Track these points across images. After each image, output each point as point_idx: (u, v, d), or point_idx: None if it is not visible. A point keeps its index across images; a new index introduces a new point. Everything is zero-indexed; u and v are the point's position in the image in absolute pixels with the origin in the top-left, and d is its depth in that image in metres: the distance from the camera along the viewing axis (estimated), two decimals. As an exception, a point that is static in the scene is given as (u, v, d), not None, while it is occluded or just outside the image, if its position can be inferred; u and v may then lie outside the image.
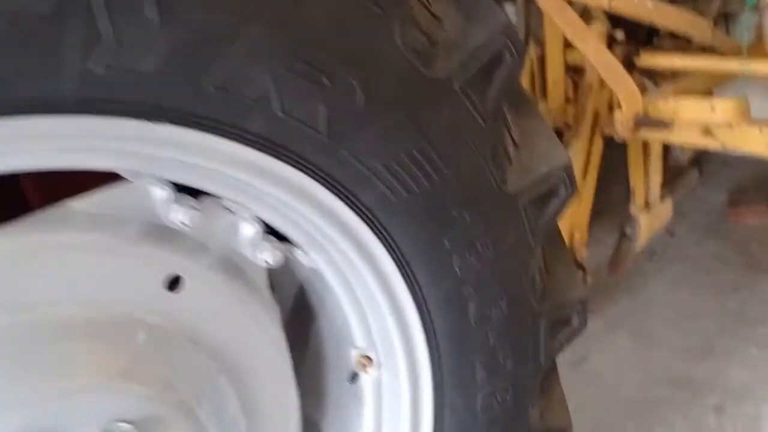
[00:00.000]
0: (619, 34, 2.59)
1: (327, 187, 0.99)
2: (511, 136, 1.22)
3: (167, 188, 0.95)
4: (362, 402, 1.27)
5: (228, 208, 1.02)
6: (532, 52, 2.85)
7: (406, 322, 1.17)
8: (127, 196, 0.95)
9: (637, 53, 2.57)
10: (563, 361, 2.75)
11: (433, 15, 1.06)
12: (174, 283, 1.03)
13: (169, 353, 1.05)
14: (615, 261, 2.92)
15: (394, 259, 1.10)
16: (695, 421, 2.41)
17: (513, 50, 1.10)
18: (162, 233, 0.99)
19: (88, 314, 0.97)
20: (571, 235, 2.67)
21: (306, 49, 0.87)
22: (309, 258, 1.12)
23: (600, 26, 2.56)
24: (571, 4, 2.37)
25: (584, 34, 2.34)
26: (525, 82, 2.90)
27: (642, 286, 3.18)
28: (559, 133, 2.83)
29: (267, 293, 1.15)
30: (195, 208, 0.96)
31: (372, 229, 1.06)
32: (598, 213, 3.55)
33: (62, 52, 0.72)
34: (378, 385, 1.25)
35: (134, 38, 0.75)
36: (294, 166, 0.95)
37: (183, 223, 0.96)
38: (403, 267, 1.11)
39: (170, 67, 0.78)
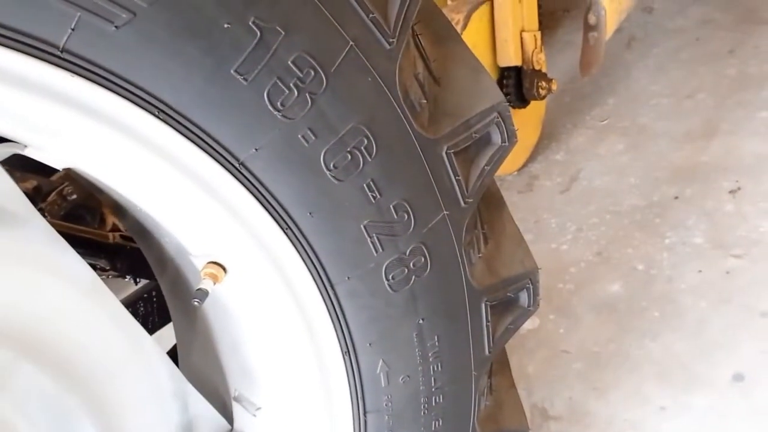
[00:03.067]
0: None
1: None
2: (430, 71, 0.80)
3: None
4: (229, 320, 0.94)
5: None
6: None
7: (242, 214, 0.83)
8: None
9: None
10: (554, 189, 2.41)
11: None
12: None
13: None
14: (586, 58, 2.48)
15: (177, 127, 0.73)
16: (711, 213, 2.06)
17: None
18: None
19: None
20: (521, 40, 2.23)
21: None
22: (53, 156, 0.75)
23: None
24: None
25: None
26: None
27: (624, 79, 2.75)
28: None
29: (46, 229, 0.79)
30: None
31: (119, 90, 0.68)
32: (562, 11, 3.09)
33: None
34: (242, 293, 0.91)
35: None
36: None
37: None
38: (198, 136, 0.74)
39: None
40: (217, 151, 0.77)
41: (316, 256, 0.88)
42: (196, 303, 0.86)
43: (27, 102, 0.66)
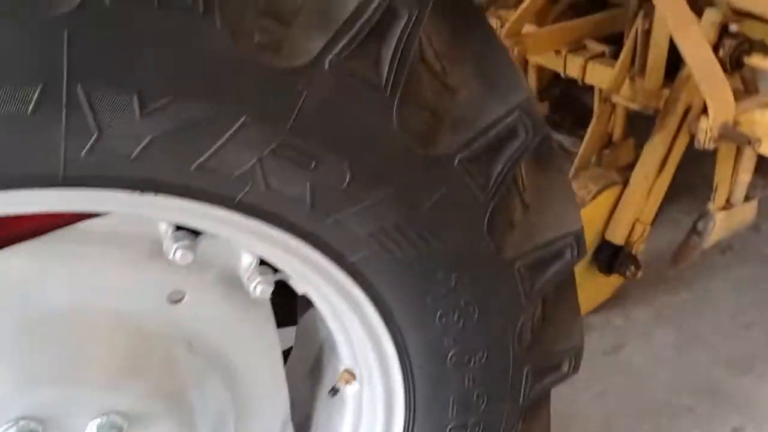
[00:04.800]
0: (734, 26, 2.36)
1: (313, 247, 1.04)
2: (522, 199, 1.21)
3: (169, 225, 1.03)
4: (343, 412, 1.38)
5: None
6: (640, 23, 2.65)
7: (385, 355, 1.25)
8: (135, 221, 1.04)
9: (750, 50, 2.35)
10: (598, 347, 2.77)
11: (446, 86, 1.04)
12: (176, 295, 1.14)
13: (165, 355, 1.18)
14: (679, 255, 2.82)
15: (376, 308, 1.15)
16: (709, 438, 2.41)
17: (530, 127, 1.08)
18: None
19: (95, 319, 1.09)
20: (632, 228, 2.59)
21: (291, 137, 0.90)
22: (302, 288, 1.20)
23: (715, 15, 2.34)
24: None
25: (686, 24, 2.16)
26: (625, 52, 2.73)
27: (704, 281, 3.07)
28: (650, 118, 2.68)
29: (267, 308, 1.23)
30: (189, 248, 1.04)
31: (357, 283, 1.11)
32: (684, 188, 3.38)
33: (52, 143, 0.79)
34: (358, 399, 1.35)
35: (118, 129, 0.81)
36: (282, 229, 1.00)
37: (175, 257, 1.04)
38: (386, 315, 1.17)
39: (152, 152, 0.84)
40: (397, 329, 1.19)
41: (414, 399, 1.31)
42: (329, 395, 1.31)
43: (318, 279, 1.10)
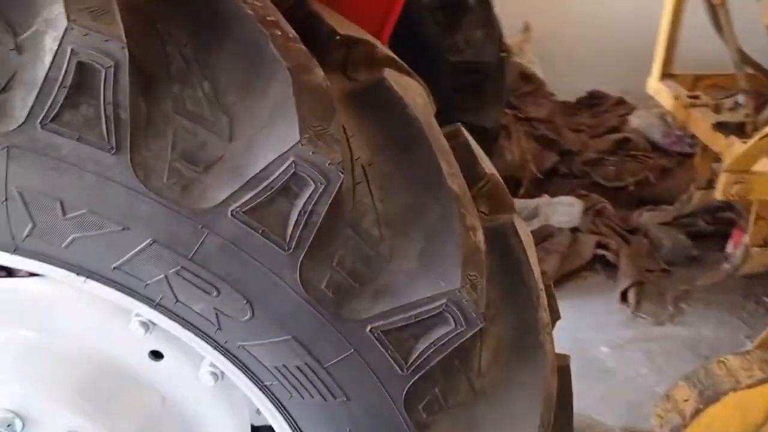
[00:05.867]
0: None
1: (230, 360, 1.12)
2: (471, 385, 1.14)
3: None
4: None
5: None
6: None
7: None
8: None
9: None
10: None
11: (378, 254, 1.04)
12: (157, 355, 1.31)
13: (138, 402, 1.35)
14: None
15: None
16: None
17: (460, 319, 1.03)
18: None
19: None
20: None
21: (193, 265, 1.00)
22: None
23: None
24: None
25: None
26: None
27: None
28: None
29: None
30: (143, 324, 1.19)
31: (275, 407, 1.16)
32: None
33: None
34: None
35: (46, 224, 0.99)
36: (200, 337, 1.10)
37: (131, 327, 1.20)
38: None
39: (77, 247, 1.01)
40: None
41: None
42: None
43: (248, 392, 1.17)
